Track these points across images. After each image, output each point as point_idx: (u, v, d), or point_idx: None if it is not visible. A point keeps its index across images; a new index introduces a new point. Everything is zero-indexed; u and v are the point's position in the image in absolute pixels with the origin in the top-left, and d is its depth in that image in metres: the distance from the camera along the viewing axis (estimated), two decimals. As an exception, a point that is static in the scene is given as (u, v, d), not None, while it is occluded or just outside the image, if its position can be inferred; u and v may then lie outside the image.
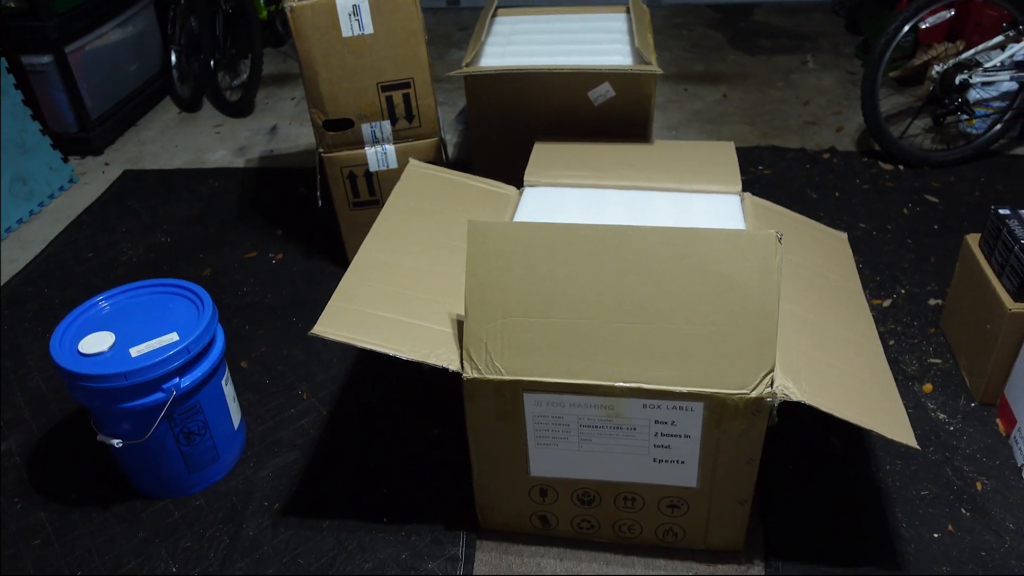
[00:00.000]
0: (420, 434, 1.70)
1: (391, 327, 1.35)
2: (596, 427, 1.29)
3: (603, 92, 2.02)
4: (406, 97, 1.98)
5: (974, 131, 2.64)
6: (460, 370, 1.28)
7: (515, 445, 1.35)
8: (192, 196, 2.69)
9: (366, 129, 2.00)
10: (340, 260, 2.28)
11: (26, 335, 2.09)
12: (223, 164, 2.89)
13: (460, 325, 1.36)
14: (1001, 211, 1.67)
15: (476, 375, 1.26)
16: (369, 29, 1.86)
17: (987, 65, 2.40)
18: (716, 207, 1.68)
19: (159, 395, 1.45)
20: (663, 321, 1.22)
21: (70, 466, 1.69)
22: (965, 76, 2.41)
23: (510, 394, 1.28)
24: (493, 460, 1.38)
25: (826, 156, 2.67)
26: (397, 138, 2.04)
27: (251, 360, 1.95)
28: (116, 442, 1.47)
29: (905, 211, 2.36)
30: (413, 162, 1.78)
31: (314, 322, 2.04)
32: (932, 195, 2.42)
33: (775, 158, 2.68)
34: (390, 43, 1.89)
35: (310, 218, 2.50)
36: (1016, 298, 1.59)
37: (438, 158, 2.09)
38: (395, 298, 1.41)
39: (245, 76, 3.31)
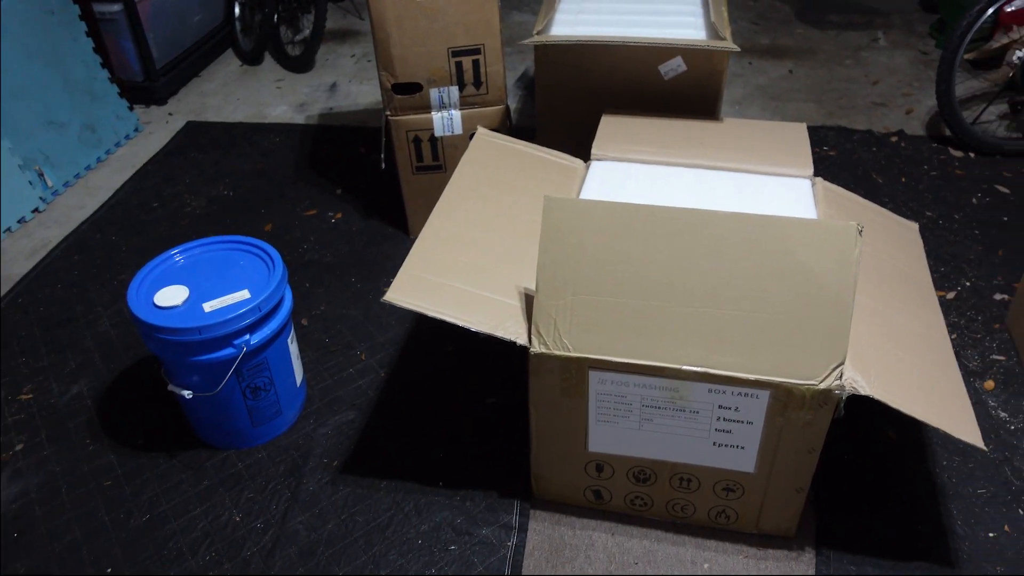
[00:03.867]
0: (475, 402, 1.73)
1: (460, 297, 1.36)
2: (659, 408, 1.30)
3: (674, 66, 1.98)
4: (475, 64, 1.97)
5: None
6: (528, 344, 1.29)
7: (576, 420, 1.36)
8: (253, 150, 2.72)
9: (434, 94, 2.00)
10: (398, 223, 2.30)
11: (94, 281, 2.15)
12: (284, 120, 2.91)
13: (528, 299, 1.37)
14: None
15: (543, 350, 1.28)
16: (443, -7, 1.85)
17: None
18: (786, 190, 1.65)
19: (230, 350, 1.49)
20: (735, 307, 1.22)
21: (137, 411, 1.75)
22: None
23: (575, 371, 1.29)
24: (552, 433, 1.40)
25: (894, 139, 2.60)
26: (464, 104, 2.03)
27: (311, 318, 1.98)
28: (186, 393, 1.52)
29: (974, 200, 2.30)
30: (481, 130, 1.78)
31: (372, 283, 2.09)
32: (1003, 185, 2.36)
33: (841, 139, 2.62)
34: (464, 8, 1.88)
35: (369, 178, 2.52)
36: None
37: (503, 125, 2.08)
38: (463, 268, 1.43)
39: (307, 31, 3.32)
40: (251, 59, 3.33)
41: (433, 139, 2.07)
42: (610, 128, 1.87)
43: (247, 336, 1.50)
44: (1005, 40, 2.87)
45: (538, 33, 1.97)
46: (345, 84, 3.14)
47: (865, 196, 1.73)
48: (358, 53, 3.39)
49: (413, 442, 1.65)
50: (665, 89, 2.01)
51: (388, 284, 2.05)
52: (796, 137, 1.84)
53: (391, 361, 1.85)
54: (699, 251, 1.24)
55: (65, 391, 1.81)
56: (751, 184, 1.68)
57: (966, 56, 3.06)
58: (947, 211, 2.26)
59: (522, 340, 1.30)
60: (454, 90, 2.00)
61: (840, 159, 2.52)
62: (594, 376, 1.29)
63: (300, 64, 3.24)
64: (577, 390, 1.32)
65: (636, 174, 1.73)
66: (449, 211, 1.56)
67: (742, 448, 1.32)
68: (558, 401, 1.35)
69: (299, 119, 2.91)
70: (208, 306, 1.49)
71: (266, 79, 3.21)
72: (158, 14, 2.98)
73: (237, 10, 3.37)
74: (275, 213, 2.39)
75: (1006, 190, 2.34)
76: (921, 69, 3.04)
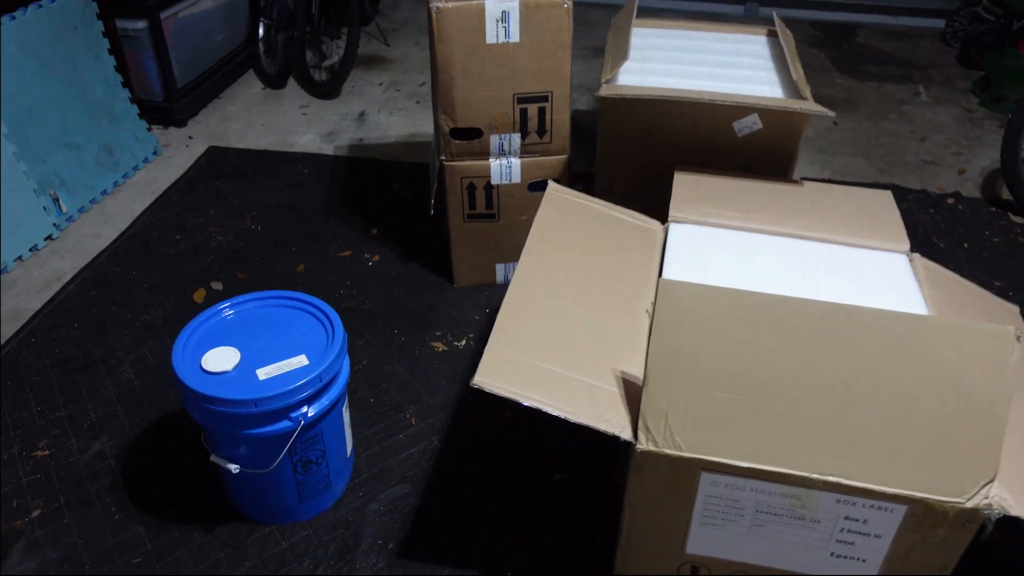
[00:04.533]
0: (541, 478, 1.60)
1: (552, 381, 1.23)
2: (775, 515, 1.18)
3: (750, 124, 1.88)
4: (541, 111, 1.85)
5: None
6: (632, 440, 1.16)
7: (676, 521, 1.24)
8: (280, 182, 2.58)
9: (494, 140, 1.88)
10: (441, 270, 2.17)
11: (114, 321, 2.00)
12: (311, 149, 2.78)
13: (626, 384, 1.25)
14: None
15: (652, 448, 1.15)
16: (515, 38, 1.73)
17: None
18: (883, 267, 1.55)
19: (286, 423, 1.34)
20: (872, 412, 1.10)
21: (166, 475, 1.60)
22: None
23: (686, 471, 1.16)
24: (647, 532, 1.27)
25: (950, 201, 2.52)
26: (524, 152, 1.91)
27: (354, 374, 1.84)
28: (233, 467, 1.37)
29: (1041, 272, 2.22)
30: (553, 185, 1.66)
31: (417, 336, 1.95)
32: (1069, 257, 2.28)
33: (896, 199, 2.52)
34: (534, 54, 1.76)
35: (405, 219, 2.39)
36: None
37: (565, 175, 1.96)
38: (552, 346, 1.30)
39: (336, 57, 3.19)
40: (275, 83, 3.20)
41: (489, 187, 1.95)
42: (686, 188, 1.76)
43: (305, 408, 1.36)
44: (1057, 103, 2.81)
45: (606, 82, 1.87)
46: (374, 114, 3.01)
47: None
48: (385, 81, 3.26)
49: (475, 523, 1.51)
50: (737, 146, 1.91)
51: (434, 337, 1.91)
52: (883, 205, 1.75)
53: (443, 427, 1.71)
54: (834, 349, 1.12)
55: (85, 448, 1.65)
56: (844, 258, 1.57)
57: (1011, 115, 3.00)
58: (1016, 282, 2.17)
59: (626, 435, 1.17)
60: (516, 137, 1.88)
61: (896, 220, 2.42)
62: (706, 478, 1.17)
63: (326, 91, 3.11)
64: (684, 490, 1.19)
65: (719, 241, 1.61)
66: (529, 278, 1.43)
67: (863, 561, 1.20)
68: (660, 500, 1.22)
69: (327, 149, 2.78)
70: (263, 373, 1.35)
71: (290, 105, 3.08)
72: (182, 31, 2.84)
73: (261, 30, 3.24)
74: (307, 253, 2.25)
75: (1072, 262, 2.26)
76: (968, 128, 2.98)
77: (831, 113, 1.68)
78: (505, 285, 2.14)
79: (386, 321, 2.01)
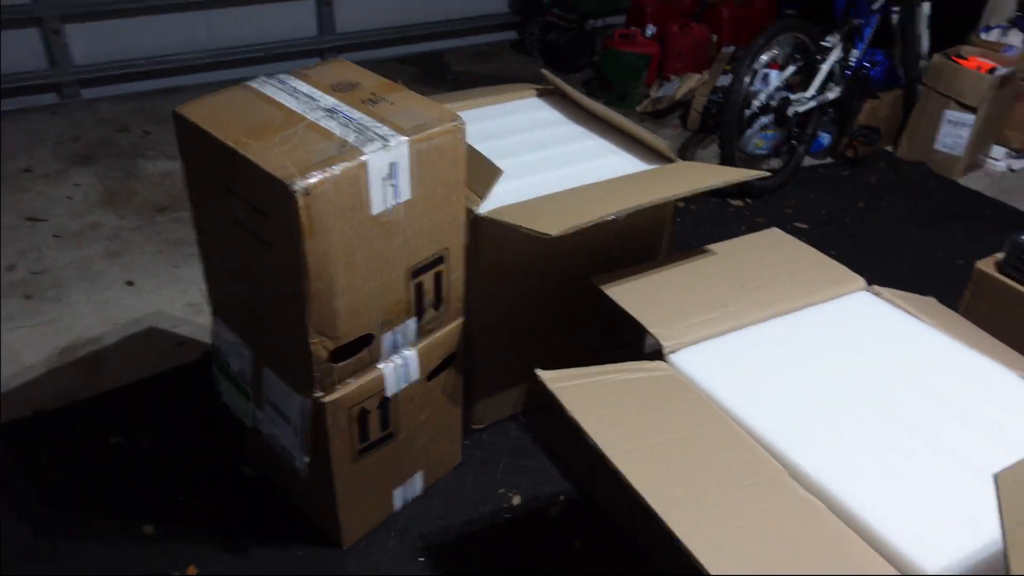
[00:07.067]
0: None
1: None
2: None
3: (629, 204, 1.63)
4: (437, 278, 1.31)
5: (762, 152, 2.77)
6: None
7: None
8: (-95, 526, 1.46)
9: (387, 340, 1.28)
10: (304, 532, 1.46)
11: None
12: (-87, 442, 1.64)
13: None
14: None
15: None
16: (406, 195, 1.16)
17: (809, 93, 2.57)
18: (872, 311, 1.48)
19: None
20: None
21: None
22: (796, 108, 2.55)
23: None
24: None
25: (682, 204, 2.60)
26: (420, 336, 1.35)
27: None
28: None
29: (797, 245, 2.42)
30: (545, 375, 1.19)
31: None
32: (798, 221, 2.53)
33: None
34: (428, 207, 1.21)
35: (178, 485, 1.56)
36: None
37: (463, 344, 1.45)
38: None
39: None
40: None
41: (385, 402, 1.34)
42: (634, 304, 1.44)
43: None
44: (684, 89, 3.11)
45: (478, 210, 1.41)
46: (-24, 339, 1.92)
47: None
48: (-53, 281, 2.11)
49: None
50: (616, 231, 1.65)
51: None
52: (790, 245, 1.67)
53: None
54: None
55: None
56: (836, 318, 1.45)
57: (639, 108, 3.25)
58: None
59: None
60: (411, 324, 1.31)
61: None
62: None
63: None
64: None
65: (726, 355, 1.36)
66: (670, 505, 1.00)
67: None
68: None
69: (-56, 429, 1.67)
70: None
71: None
72: None
73: None
74: (76, 625, 1.31)
75: (804, 225, 2.51)
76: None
77: (766, 173, 1.51)
78: (405, 509, 1.54)
79: (311, 663, 1.27)
